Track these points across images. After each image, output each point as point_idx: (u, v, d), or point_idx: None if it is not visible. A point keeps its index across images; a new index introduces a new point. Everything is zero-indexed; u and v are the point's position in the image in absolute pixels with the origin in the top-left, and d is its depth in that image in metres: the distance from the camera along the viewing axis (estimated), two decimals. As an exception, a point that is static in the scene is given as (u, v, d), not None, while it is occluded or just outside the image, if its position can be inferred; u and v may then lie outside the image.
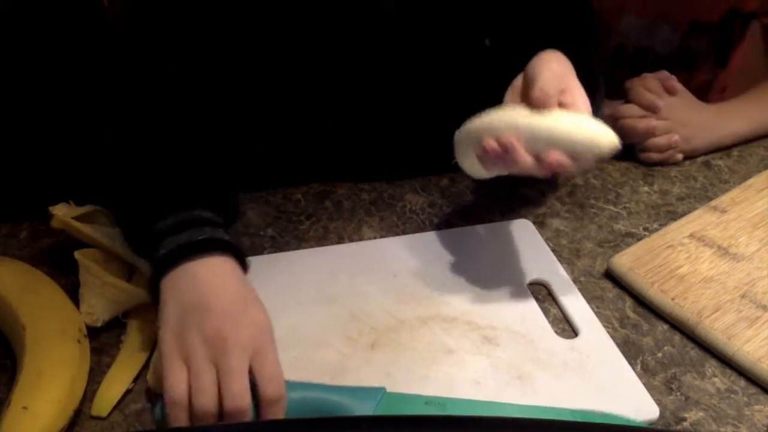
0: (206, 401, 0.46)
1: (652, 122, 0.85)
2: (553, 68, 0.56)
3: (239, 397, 0.47)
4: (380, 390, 0.51)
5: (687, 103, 0.88)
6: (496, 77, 0.77)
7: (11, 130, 0.74)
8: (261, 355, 0.49)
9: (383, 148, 0.82)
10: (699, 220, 0.75)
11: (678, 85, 0.87)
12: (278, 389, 0.48)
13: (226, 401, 0.46)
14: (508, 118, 0.56)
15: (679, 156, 0.87)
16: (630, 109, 0.86)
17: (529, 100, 0.56)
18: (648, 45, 0.97)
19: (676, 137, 0.85)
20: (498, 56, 0.77)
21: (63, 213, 0.64)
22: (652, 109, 0.85)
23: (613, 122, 0.86)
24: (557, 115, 0.55)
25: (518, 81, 0.60)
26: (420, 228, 0.75)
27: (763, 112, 0.92)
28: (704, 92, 0.97)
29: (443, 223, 0.76)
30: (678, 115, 0.86)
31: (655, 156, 0.86)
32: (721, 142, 0.90)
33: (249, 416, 0.47)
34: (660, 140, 0.85)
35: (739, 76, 1.04)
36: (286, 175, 0.81)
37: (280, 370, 0.49)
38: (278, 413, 0.48)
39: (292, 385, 0.50)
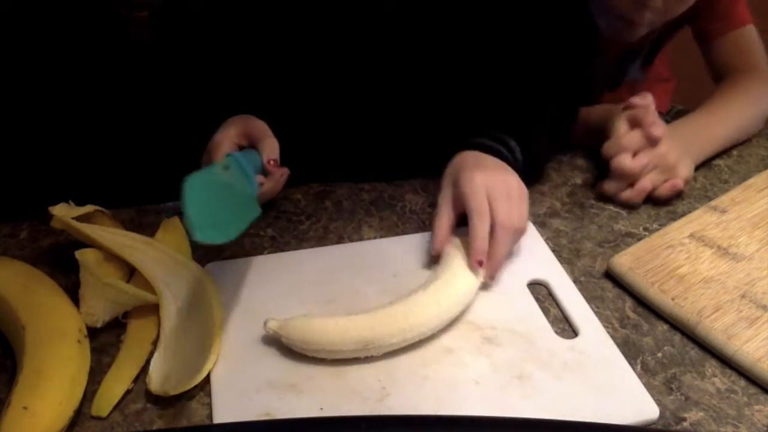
0: None
1: (647, 186, 0.77)
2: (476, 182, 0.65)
3: None
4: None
5: (667, 142, 0.78)
6: (495, 77, 0.77)
7: (11, 130, 0.74)
8: None
9: (383, 148, 0.82)
10: (699, 220, 0.75)
11: (661, 131, 0.77)
12: None
13: None
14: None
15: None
16: (620, 186, 0.78)
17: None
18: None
19: (677, 182, 0.78)
20: (495, 61, 0.77)
21: (63, 213, 0.64)
22: (641, 172, 0.77)
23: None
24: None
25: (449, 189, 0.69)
26: (420, 228, 0.75)
27: (727, 119, 0.88)
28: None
29: (443, 223, 0.76)
30: (666, 157, 0.78)
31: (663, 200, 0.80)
32: (702, 152, 0.85)
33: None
34: (663, 192, 0.78)
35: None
36: (286, 175, 0.81)
37: None
38: None
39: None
